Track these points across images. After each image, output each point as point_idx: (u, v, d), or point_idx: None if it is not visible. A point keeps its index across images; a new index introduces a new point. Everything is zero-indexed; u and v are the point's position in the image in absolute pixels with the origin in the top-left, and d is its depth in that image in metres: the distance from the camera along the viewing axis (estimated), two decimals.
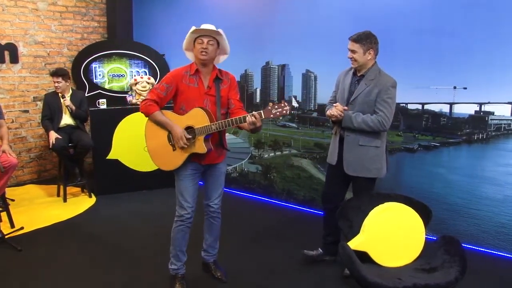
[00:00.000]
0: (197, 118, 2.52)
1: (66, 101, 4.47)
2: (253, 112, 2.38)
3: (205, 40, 2.50)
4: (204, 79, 2.60)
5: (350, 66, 2.87)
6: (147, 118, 2.66)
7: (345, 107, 2.80)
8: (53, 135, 4.39)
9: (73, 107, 4.49)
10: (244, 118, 2.41)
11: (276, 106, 2.37)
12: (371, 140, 2.78)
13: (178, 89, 2.59)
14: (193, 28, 2.53)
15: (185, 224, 2.70)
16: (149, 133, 2.70)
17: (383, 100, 2.71)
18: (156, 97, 2.58)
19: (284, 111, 2.36)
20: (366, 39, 2.70)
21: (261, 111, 2.37)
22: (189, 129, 2.55)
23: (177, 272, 2.79)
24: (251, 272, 3.08)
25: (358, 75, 2.82)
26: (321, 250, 3.20)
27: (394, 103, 2.76)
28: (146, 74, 5.17)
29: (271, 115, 2.37)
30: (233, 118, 2.47)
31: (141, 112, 2.64)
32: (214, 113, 2.56)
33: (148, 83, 4.87)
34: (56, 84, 4.47)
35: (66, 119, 4.58)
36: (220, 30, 2.55)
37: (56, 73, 4.50)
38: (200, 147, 2.53)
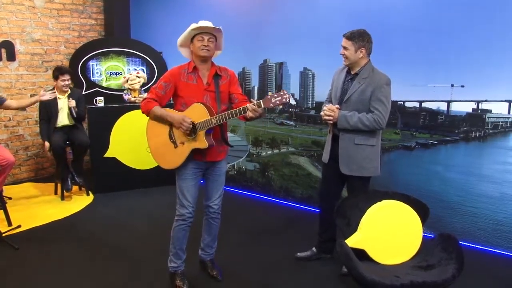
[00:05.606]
0: (197, 112, 2.52)
1: (72, 102, 4.36)
2: (252, 100, 2.38)
3: (206, 37, 2.50)
4: (202, 76, 2.60)
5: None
6: (148, 117, 2.68)
7: (337, 106, 2.78)
8: (47, 144, 4.35)
9: (76, 109, 4.41)
10: (244, 109, 2.39)
11: (275, 95, 2.35)
12: (367, 138, 2.76)
13: (177, 87, 2.59)
14: (194, 25, 2.51)
15: (186, 223, 2.70)
16: (150, 132, 2.71)
17: (378, 99, 2.68)
18: (155, 96, 2.61)
19: (284, 99, 2.34)
20: (359, 37, 2.67)
21: (260, 101, 2.36)
22: None
23: (176, 270, 2.80)
24: (249, 270, 3.08)
25: (352, 73, 2.80)
26: (315, 250, 3.20)
27: (389, 101, 2.73)
28: (138, 71, 5.12)
29: (271, 104, 2.35)
30: (233, 110, 2.45)
31: (142, 112, 2.65)
32: (214, 108, 2.55)
33: (138, 77, 4.87)
34: (66, 82, 4.38)
35: (63, 119, 4.51)
36: (221, 27, 2.55)
37: (67, 71, 4.42)
38: (202, 142, 2.52)
